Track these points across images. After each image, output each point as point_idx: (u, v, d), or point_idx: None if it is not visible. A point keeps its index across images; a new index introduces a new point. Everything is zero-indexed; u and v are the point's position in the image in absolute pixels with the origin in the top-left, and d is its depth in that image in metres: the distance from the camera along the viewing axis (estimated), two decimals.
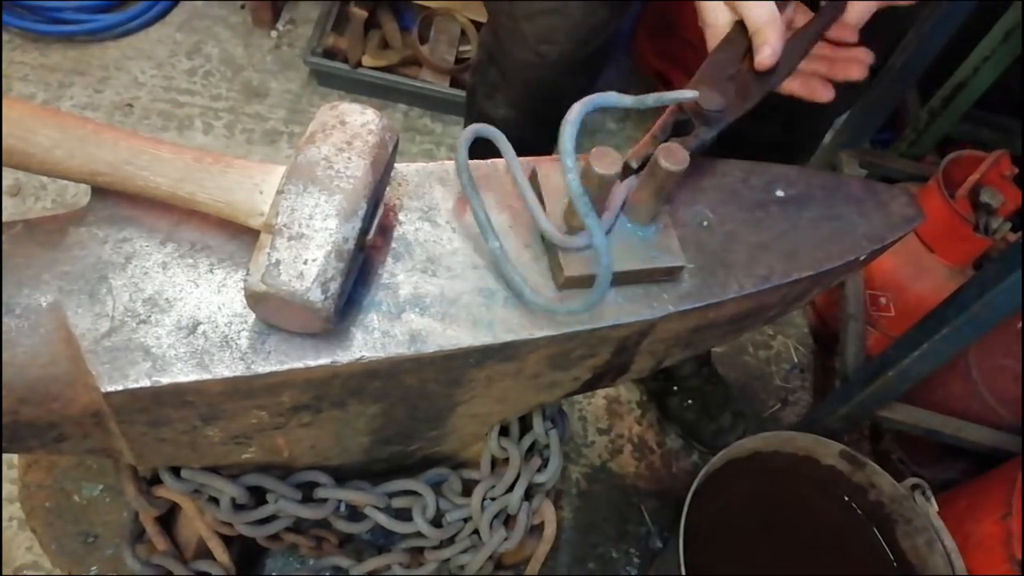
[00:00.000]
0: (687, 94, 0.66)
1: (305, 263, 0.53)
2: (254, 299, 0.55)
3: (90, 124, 0.58)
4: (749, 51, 0.71)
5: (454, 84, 2.10)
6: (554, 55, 1.16)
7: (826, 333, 1.86)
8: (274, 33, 2.20)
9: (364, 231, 0.57)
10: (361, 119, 0.59)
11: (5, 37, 2.03)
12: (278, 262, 0.53)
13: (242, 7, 2.22)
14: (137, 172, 0.57)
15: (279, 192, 0.55)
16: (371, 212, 0.58)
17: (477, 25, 2.11)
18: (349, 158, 0.56)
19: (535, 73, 1.21)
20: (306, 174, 0.55)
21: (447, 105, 2.11)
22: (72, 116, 0.58)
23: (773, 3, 0.69)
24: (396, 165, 0.69)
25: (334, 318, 0.56)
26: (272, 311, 0.57)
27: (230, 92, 2.06)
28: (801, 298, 0.80)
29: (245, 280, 0.54)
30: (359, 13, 1.99)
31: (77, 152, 0.57)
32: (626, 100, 0.62)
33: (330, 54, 2.04)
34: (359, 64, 2.03)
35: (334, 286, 0.54)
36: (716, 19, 0.73)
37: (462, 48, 2.11)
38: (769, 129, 0.76)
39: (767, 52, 0.68)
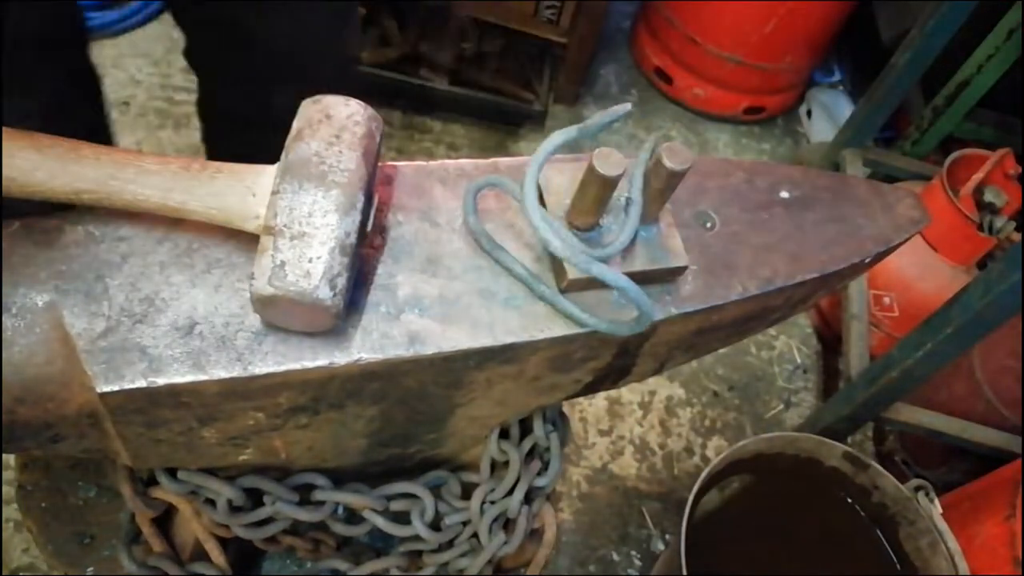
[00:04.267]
0: (624, 108, 0.60)
1: (310, 261, 0.53)
2: (262, 303, 0.55)
3: (66, 141, 0.57)
4: None
5: (453, 82, 2.09)
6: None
7: (830, 333, 1.86)
8: None
9: (363, 224, 0.57)
10: (346, 111, 0.58)
11: None
12: (283, 263, 0.53)
13: None
14: (123, 186, 0.56)
15: (274, 192, 0.55)
16: (367, 204, 0.58)
17: (477, 23, 2.10)
18: (340, 152, 0.56)
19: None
20: (300, 172, 0.55)
21: (446, 103, 2.10)
22: (46, 136, 0.57)
23: None
24: (396, 164, 0.68)
25: (343, 314, 0.56)
26: (280, 313, 0.56)
27: None
28: (806, 301, 0.79)
29: (251, 284, 0.54)
30: (358, 10, 1.99)
31: (58, 171, 0.55)
32: (572, 132, 0.59)
33: None
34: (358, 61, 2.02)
35: (341, 282, 0.54)
36: None
37: (462, 45, 2.11)
38: None
39: None
